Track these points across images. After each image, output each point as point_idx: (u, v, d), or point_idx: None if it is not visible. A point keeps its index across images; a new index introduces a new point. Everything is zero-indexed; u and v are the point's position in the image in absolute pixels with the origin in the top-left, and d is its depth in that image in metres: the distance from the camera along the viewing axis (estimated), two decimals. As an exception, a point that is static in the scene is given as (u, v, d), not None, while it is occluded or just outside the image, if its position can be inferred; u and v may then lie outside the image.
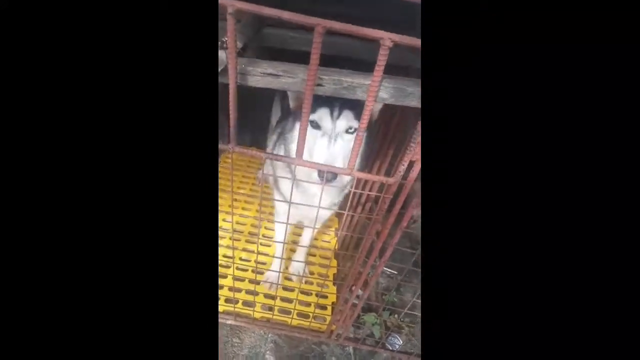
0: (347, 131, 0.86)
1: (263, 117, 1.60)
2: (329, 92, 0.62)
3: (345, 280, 1.03)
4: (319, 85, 0.61)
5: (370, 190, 1.23)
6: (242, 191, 1.75)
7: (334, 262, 1.50)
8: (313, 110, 0.87)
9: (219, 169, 1.88)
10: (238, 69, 0.60)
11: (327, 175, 0.74)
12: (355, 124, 0.84)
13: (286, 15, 0.50)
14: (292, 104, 0.93)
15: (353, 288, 1.06)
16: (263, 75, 0.62)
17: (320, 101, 0.86)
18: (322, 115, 0.84)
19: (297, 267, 1.41)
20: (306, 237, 1.36)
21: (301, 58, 0.70)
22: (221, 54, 0.63)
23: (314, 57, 0.54)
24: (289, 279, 1.39)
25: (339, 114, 0.85)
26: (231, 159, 0.73)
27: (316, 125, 0.85)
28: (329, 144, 0.83)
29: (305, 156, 0.93)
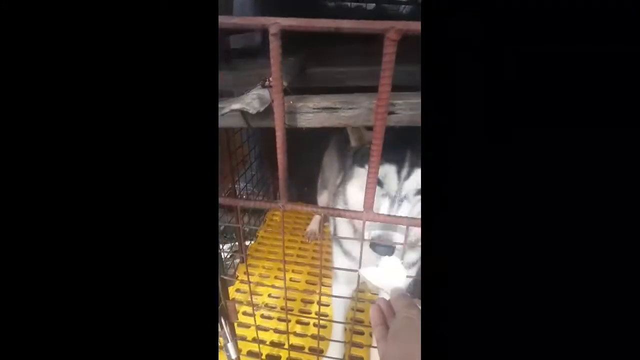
0: (416, 194, 0.69)
1: (310, 167, 1.48)
2: (404, 120, 0.47)
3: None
4: (391, 113, 0.46)
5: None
6: (290, 251, 1.59)
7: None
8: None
9: (264, 227, 1.76)
10: (286, 107, 0.48)
11: (380, 249, 0.61)
12: None
13: (346, 24, 0.38)
14: (352, 141, 0.78)
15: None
16: (316, 110, 0.49)
17: (387, 154, 0.68)
18: (388, 172, 0.68)
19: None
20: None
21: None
22: (264, 92, 0.52)
23: (386, 73, 0.40)
24: None
25: (409, 174, 0.68)
26: (282, 218, 0.59)
27: (378, 182, 0.70)
28: (391, 206, 0.67)
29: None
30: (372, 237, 0.63)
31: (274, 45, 0.41)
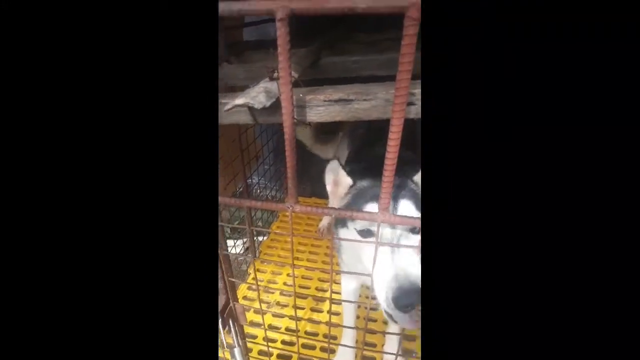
0: (411, 231, 0.61)
1: (326, 160, 1.43)
2: (425, 114, 0.42)
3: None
4: (410, 104, 0.41)
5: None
6: (302, 248, 1.56)
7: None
8: (359, 204, 0.65)
9: (277, 223, 1.74)
10: (295, 100, 0.44)
11: (401, 302, 0.54)
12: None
13: (360, 3, 0.33)
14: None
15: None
16: (328, 103, 0.45)
17: (368, 195, 0.63)
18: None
19: None
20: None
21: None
22: (271, 85, 0.48)
23: (406, 59, 0.35)
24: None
25: (395, 208, 0.62)
26: (290, 220, 0.55)
27: (367, 233, 0.63)
28: (392, 255, 0.58)
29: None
30: (393, 296, 0.55)
31: (281, 32, 0.37)
